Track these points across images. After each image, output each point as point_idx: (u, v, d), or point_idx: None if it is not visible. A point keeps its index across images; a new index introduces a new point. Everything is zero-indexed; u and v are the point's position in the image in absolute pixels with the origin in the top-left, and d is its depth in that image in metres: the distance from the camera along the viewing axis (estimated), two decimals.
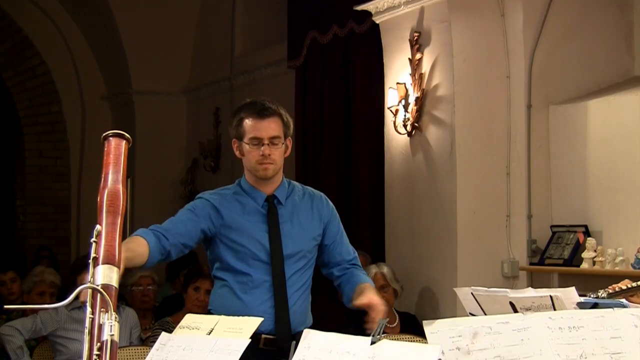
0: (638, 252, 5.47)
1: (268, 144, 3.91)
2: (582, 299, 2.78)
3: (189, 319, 3.24)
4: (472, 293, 2.99)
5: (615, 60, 6.39)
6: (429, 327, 2.47)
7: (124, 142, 2.22)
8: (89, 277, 1.97)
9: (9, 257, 10.74)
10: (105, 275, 1.99)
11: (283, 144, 3.95)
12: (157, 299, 7.24)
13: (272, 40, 9.31)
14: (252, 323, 3.10)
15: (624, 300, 2.67)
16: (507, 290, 2.97)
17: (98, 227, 2.05)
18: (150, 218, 11.40)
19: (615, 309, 2.51)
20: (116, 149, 2.19)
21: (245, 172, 4.03)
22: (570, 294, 2.82)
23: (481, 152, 6.25)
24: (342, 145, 7.65)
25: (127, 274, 7.66)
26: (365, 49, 7.34)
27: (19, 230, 11.97)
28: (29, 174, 11.70)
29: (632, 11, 6.41)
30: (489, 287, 3.02)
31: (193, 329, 3.14)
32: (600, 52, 6.38)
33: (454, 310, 5.77)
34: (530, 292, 2.92)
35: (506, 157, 6.29)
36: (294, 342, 2.67)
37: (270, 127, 3.93)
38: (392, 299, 6.19)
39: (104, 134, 2.22)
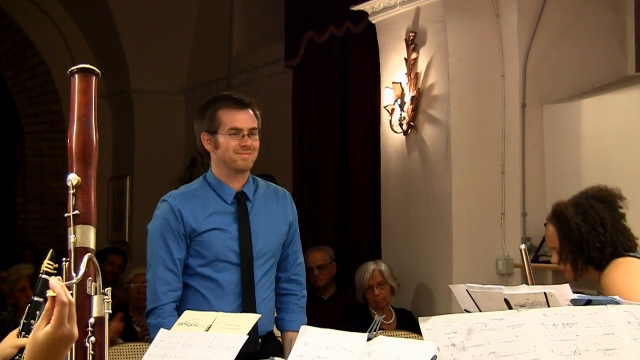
0: None
1: (247, 135, 3.89)
2: (575, 296, 2.77)
3: (187, 315, 3.27)
4: (467, 290, 3.01)
5: (609, 59, 6.42)
6: (425, 323, 2.47)
7: (93, 77, 2.01)
8: (71, 236, 1.84)
9: (9, 254, 10.77)
10: (84, 237, 1.86)
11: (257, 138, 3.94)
12: None
13: (270, 40, 9.33)
14: (250, 319, 3.12)
15: (617, 297, 2.67)
16: (502, 287, 2.98)
17: (75, 176, 1.87)
18: (148, 216, 11.45)
19: (609, 305, 2.50)
20: (84, 85, 1.97)
21: (214, 166, 3.97)
22: (564, 291, 2.82)
23: (476, 151, 6.27)
24: (338, 144, 7.67)
25: (124, 272, 7.71)
26: (361, 49, 7.36)
27: (19, 228, 12.02)
28: (29, 172, 11.75)
29: (625, 11, 6.43)
30: (483, 284, 3.03)
31: (191, 325, 3.16)
32: (593, 52, 6.40)
33: (449, 306, 5.80)
34: (524, 289, 2.92)
35: (501, 155, 6.31)
36: (291, 339, 2.70)
37: (250, 118, 3.92)
38: (389, 296, 6.23)
39: (69, 70, 2.01)
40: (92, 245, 1.85)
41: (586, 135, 6.03)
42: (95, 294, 1.84)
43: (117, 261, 8.69)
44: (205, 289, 3.91)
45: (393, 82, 6.51)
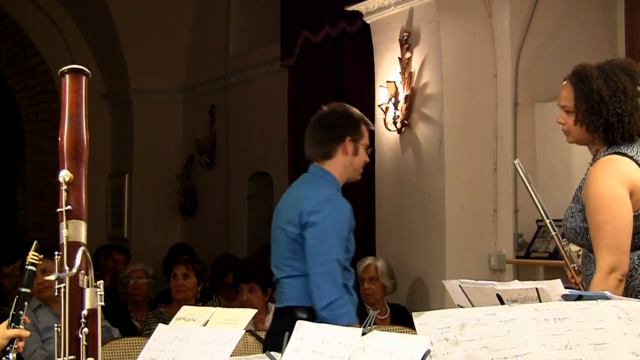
0: None
1: None
2: (567, 291, 2.74)
3: (185, 310, 3.29)
4: (460, 285, 2.97)
5: (600, 59, 6.26)
6: (418, 318, 2.43)
7: (83, 77, 2.05)
8: (64, 230, 1.85)
9: (10, 251, 10.81)
10: (76, 232, 1.88)
11: None
12: (154, 292, 7.34)
13: (266, 40, 9.38)
14: (246, 314, 3.15)
15: (607, 293, 2.68)
16: (494, 282, 2.93)
17: (67, 173, 1.89)
18: (147, 213, 11.48)
19: (599, 300, 2.48)
20: (75, 85, 2.02)
21: (338, 169, 4.42)
22: (556, 287, 2.78)
23: (469, 149, 6.32)
24: None
25: (122, 268, 7.77)
26: (356, 49, 7.41)
27: (20, 225, 12.08)
28: (30, 170, 11.83)
29: (616, 11, 6.46)
30: (476, 280, 3.01)
31: (189, 320, 3.20)
32: (584, 51, 6.39)
33: (442, 302, 5.82)
34: (516, 284, 2.88)
35: (493, 153, 6.35)
36: (287, 334, 2.72)
37: None
38: (378, 293, 6.27)
39: (60, 71, 2.05)
40: (83, 239, 1.89)
41: None
42: (88, 286, 1.86)
43: (121, 259, 8.78)
44: (348, 281, 4.29)
45: (387, 81, 6.55)
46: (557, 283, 2.85)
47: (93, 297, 1.84)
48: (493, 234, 6.35)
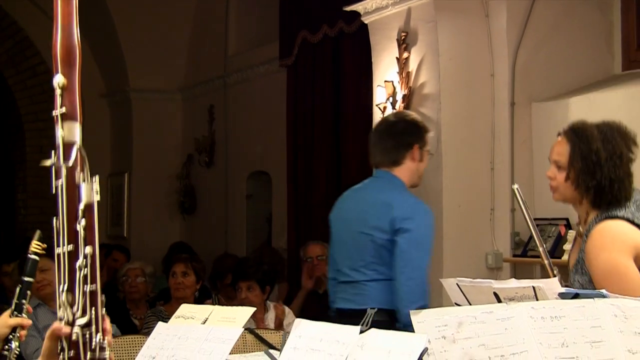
0: None
1: None
2: (563, 289, 2.73)
3: (184, 309, 3.32)
4: (457, 284, 3.01)
5: (596, 59, 6.46)
6: (416, 316, 2.46)
7: None
8: (59, 131, 1.85)
9: (10, 249, 10.84)
10: (72, 132, 1.88)
11: None
12: (152, 290, 7.36)
13: (265, 40, 9.40)
14: (245, 313, 3.18)
15: (604, 291, 2.68)
16: (492, 281, 2.98)
17: (61, 77, 1.89)
18: (146, 212, 11.50)
19: (596, 299, 2.48)
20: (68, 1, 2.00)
21: (406, 175, 4.55)
22: (552, 285, 2.82)
23: (466, 148, 6.31)
24: (332, 141, 7.72)
25: (120, 266, 7.81)
26: (354, 48, 7.42)
27: (20, 224, 12.10)
28: (30, 169, 11.85)
29: (612, 11, 6.47)
30: (473, 278, 3.03)
31: (188, 318, 3.23)
32: (581, 51, 6.44)
33: (440, 300, 5.80)
34: (513, 282, 2.92)
35: (490, 152, 6.35)
36: (285, 332, 2.73)
37: None
38: None
39: None
40: (78, 138, 1.89)
41: None
42: (84, 181, 1.88)
43: (121, 259, 8.82)
44: None
45: (385, 81, 6.54)
46: (554, 281, 2.90)
47: (89, 192, 1.84)
48: (490, 233, 6.35)
